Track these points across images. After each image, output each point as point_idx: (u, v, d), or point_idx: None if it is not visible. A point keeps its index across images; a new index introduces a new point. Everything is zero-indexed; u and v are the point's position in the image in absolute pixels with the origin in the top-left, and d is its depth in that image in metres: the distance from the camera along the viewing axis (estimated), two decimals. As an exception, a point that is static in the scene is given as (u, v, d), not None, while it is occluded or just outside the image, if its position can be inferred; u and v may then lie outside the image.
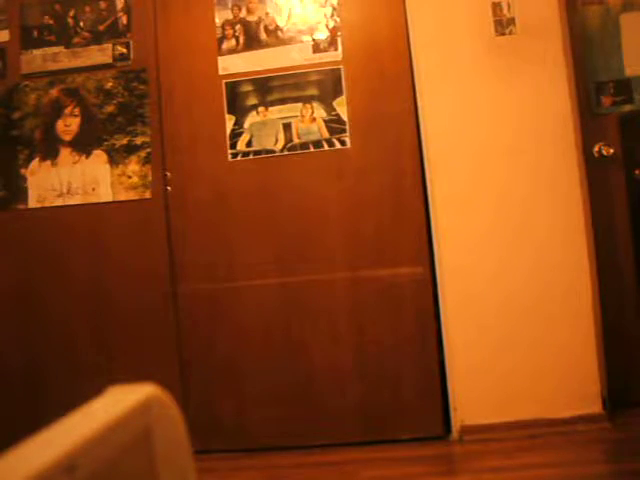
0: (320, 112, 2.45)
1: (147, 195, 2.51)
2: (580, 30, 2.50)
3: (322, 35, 2.48)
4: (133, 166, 2.52)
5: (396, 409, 2.38)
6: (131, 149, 2.52)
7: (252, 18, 2.51)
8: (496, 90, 2.35)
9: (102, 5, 2.59)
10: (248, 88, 2.49)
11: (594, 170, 2.44)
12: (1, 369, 2.53)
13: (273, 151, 2.47)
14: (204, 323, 2.47)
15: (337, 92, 2.45)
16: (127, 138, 2.52)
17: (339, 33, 2.47)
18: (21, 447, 0.43)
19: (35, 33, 2.61)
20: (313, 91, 2.47)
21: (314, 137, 2.46)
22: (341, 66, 2.46)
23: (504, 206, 2.33)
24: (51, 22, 2.61)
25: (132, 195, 2.51)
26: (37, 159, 2.57)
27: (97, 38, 2.58)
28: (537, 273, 2.30)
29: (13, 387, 2.52)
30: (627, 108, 2.50)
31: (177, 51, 2.52)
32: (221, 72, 2.50)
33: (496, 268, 2.32)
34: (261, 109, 2.48)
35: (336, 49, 2.47)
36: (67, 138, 2.56)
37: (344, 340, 2.40)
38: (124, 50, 2.56)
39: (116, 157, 2.53)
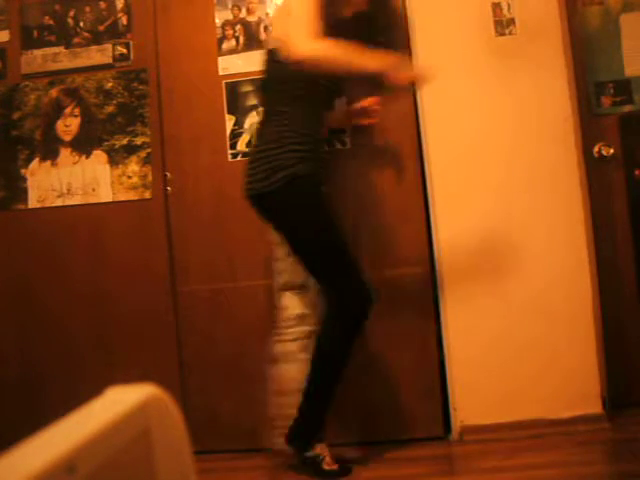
0: (320, 112, 2.45)
1: (147, 195, 2.51)
2: (580, 30, 2.50)
3: (322, 35, 2.48)
4: (133, 166, 2.52)
5: (396, 409, 2.38)
6: (131, 149, 2.52)
7: (252, 18, 2.51)
8: (496, 90, 2.35)
9: (102, 5, 2.59)
10: (248, 88, 2.49)
11: (594, 170, 2.45)
12: (1, 369, 2.53)
13: (273, 151, 2.47)
14: (204, 323, 2.47)
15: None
16: (127, 138, 2.52)
17: (339, 33, 2.46)
18: (21, 447, 0.43)
19: (35, 33, 2.61)
20: (313, 91, 2.46)
21: (314, 137, 2.46)
22: (341, 66, 2.45)
23: (504, 206, 2.33)
24: (51, 22, 2.61)
25: (132, 195, 2.51)
26: (37, 159, 2.57)
27: (97, 38, 2.58)
28: (538, 273, 2.30)
29: (13, 387, 2.52)
30: (627, 108, 2.50)
31: (177, 51, 2.52)
32: (221, 72, 2.50)
33: (496, 268, 2.32)
34: (261, 109, 2.47)
35: (336, 49, 2.46)
36: (67, 138, 2.57)
37: (344, 340, 2.40)
38: (124, 50, 2.56)
39: (116, 157, 2.53)
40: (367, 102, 2.26)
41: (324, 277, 2.02)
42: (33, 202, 2.56)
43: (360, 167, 2.43)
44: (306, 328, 2.10)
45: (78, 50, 2.59)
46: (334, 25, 2.05)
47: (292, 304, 2.11)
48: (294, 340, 2.09)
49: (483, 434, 2.26)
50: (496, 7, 2.34)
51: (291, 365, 2.10)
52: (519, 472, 1.95)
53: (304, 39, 1.85)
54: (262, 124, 2.13)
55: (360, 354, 2.40)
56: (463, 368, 2.33)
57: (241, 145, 2.49)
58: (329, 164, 2.20)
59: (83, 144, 2.55)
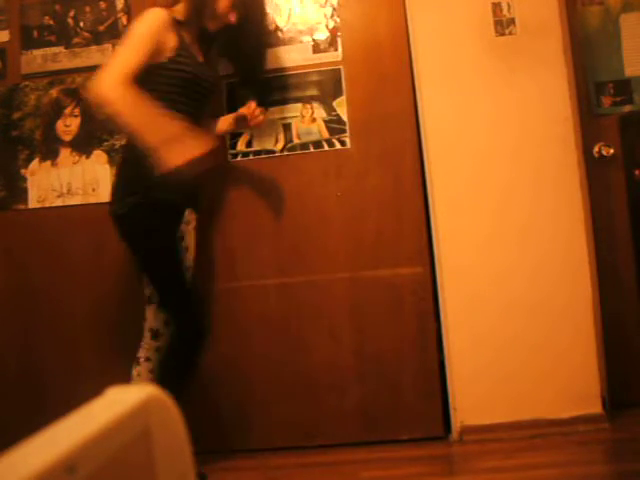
0: (320, 112, 2.45)
1: (147, 195, 2.50)
2: (580, 30, 2.50)
3: (322, 35, 2.48)
4: (133, 166, 2.51)
5: (396, 409, 2.38)
6: (131, 149, 2.52)
7: (252, 18, 2.51)
8: (496, 90, 2.35)
9: (102, 5, 2.59)
10: (248, 88, 2.48)
11: (594, 170, 2.45)
12: (2, 369, 2.53)
13: (273, 151, 2.47)
14: (204, 323, 2.46)
15: (337, 92, 2.45)
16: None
17: (339, 33, 2.47)
18: (21, 447, 0.43)
19: (35, 33, 2.61)
20: (313, 91, 2.47)
21: (314, 137, 2.46)
22: (341, 66, 2.46)
23: (504, 206, 2.33)
24: (51, 22, 2.61)
25: (132, 195, 2.51)
26: (37, 159, 2.57)
27: (97, 38, 2.58)
28: (538, 274, 2.30)
29: (14, 387, 2.52)
30: (627, 108, 2.50)
31: (177, 51, 2.52)
32: (221, 72, 2.50)
33: (497, 269, 2.32)
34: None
35: (336, 49, 2.47)
36: (67, 138, 2.56)
37: (344, 340, 2.40)
38: (124, 50, 2.56)
39: (116, 157, 2.53)
40: (246, 109, 2.25)
41: (163, 303, 2.08)
42: (33, 202, 2.56)
43: (360, 167, 2.43)
44: (158, 344, 2.12)
45: (78, 50, 2.59)
46: (201, 37, 2.07)
47: (151, 318, 2.13)
48: (146, 359, 2.12)
49: (483, 434, 2.26)
50: (496, 7, 2.34)
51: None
52: (519, 472, 1.95)
53: (110, 81, 1.77)
54: (126, 144, 2.11)
55: (360, 354, 2.40)
56: (463, 368, 2.33)
57: (241, 145, 2.49)
58: (196, 189, 2.16)
59: (83, 144, 2.55)
